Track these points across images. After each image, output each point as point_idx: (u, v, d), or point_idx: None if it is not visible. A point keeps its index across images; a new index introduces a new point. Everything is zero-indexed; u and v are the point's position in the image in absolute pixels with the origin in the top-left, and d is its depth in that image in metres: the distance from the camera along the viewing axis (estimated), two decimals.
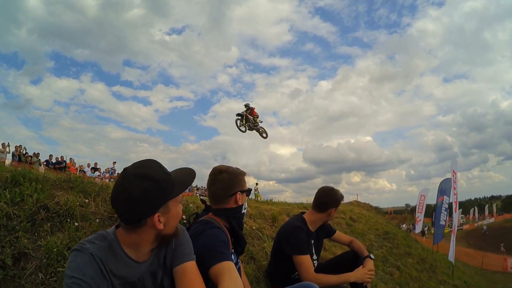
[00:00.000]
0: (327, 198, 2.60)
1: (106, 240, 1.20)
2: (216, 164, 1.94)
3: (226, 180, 1.80)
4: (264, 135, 14.55)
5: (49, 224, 2.18)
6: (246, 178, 1.89)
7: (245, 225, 3.98)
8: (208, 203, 1.90)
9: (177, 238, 1.33)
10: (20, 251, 1.91)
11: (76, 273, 1.07)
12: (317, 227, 2.68)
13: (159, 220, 1.18)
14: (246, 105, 13.81)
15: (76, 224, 2.29)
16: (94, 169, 16.58)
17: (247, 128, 13.54)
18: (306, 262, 2.35)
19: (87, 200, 2.63)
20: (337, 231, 2.90)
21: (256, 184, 22.22)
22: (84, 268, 1.09)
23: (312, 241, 2.64)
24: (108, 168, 17.49)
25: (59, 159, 15.57)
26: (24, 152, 14.70)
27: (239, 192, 1.81)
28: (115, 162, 17.92)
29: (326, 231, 2.83)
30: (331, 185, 2.71)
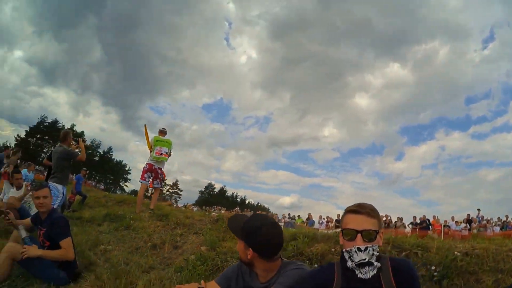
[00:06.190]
0: None
1: None
2: None
3: None
4: None
5: None
6: None
7: None
8: None
9: (283, 272, 1.71)
10: None
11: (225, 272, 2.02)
12: None
13: None
14: None
15: None
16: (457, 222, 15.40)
17: None
18: None
19: None
20: None
21: None
22: (228, 270, 1.99)
23: None
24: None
25: (422, 219, 15.92)
26: (388, 218, 16.53)
27: None
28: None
29: None
30: None
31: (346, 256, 1.42)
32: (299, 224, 17.70)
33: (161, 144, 6.76)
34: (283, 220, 19.91)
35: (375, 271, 1.37)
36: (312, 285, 1.54)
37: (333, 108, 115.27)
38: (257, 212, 25.77)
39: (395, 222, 15.85)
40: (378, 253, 1.40)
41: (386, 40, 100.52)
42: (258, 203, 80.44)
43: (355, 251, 1.39)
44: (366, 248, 1.38)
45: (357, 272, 1.38)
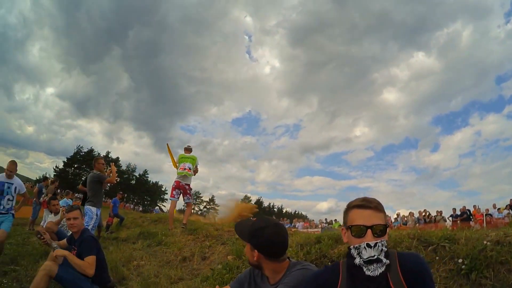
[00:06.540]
0: None
1: None
2: None
3: None
4: None
5: None
6: None
7: None
8: None
9: (288, 275, 1.73)
10: None
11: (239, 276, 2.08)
12: None
13: None
14: None
15: None
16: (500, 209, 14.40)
17: None
18: None
19: None
20: None
21: None
22: (242, 275, 2.04)
23: None
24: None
25: (462, 210, 15.09)
26: (427, 213, 15.81)
27: None
28: None
29: None
30: None
31: (354, 253, 1.36)
32: (336, 228, 17.29)
33: (185, 160, 7.04)
34: (320, 226, 19.54)
35: (383, 268, 1.32)
36: (314, 285, 1.50)
37: (362, 107, 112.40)
38: (294, 220, 25.54)
39: (435, 216, 15.14)
40: (386, 249, 1.36)
41: (407, 30, 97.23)
42: (295, 211, 79.36)
43: (364, 247, 1.33)
44: (375, 244, 1.33)
45: (364, 269, 1.33)
